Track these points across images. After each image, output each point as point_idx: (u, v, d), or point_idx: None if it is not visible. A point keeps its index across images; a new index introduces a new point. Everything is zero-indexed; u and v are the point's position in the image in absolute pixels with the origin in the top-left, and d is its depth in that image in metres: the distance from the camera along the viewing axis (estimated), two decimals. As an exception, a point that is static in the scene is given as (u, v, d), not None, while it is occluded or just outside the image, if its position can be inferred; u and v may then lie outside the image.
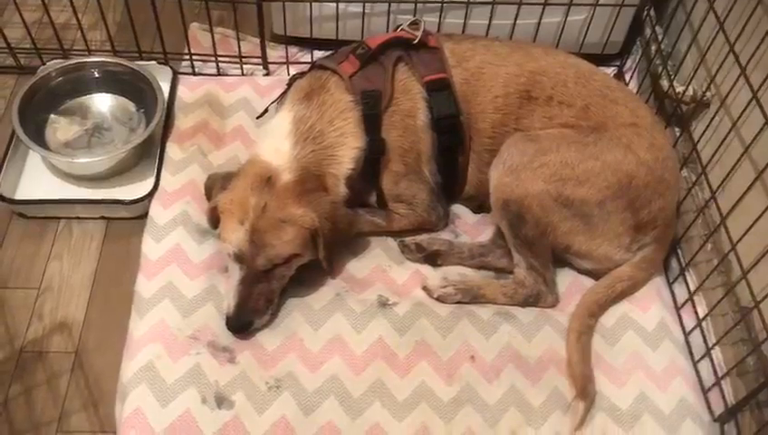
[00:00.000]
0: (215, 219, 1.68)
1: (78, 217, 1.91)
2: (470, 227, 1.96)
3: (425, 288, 1.80)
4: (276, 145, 1.69)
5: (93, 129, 2.04)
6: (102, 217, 1.92)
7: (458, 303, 1.78)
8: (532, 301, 1.79)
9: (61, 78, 2.06)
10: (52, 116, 2.04)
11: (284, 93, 1.85)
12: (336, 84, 1.75)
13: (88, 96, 2.10)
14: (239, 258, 1.61)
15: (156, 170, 1.93)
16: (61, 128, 2.02)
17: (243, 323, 1.63)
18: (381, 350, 1.67)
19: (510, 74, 1.79)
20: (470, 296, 1.79)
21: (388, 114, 1.75)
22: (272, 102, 1.91)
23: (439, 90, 1.76)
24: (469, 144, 1.82)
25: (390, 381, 1.63)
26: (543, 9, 2.18)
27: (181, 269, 1.76)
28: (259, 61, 2.25)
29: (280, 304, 1.71)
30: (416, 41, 1.79)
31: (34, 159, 1.98)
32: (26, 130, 1.90)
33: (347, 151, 1.72)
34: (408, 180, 1.82)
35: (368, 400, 1.59)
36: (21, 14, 2.13)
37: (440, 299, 1.78)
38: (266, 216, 1.59)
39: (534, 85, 1.79)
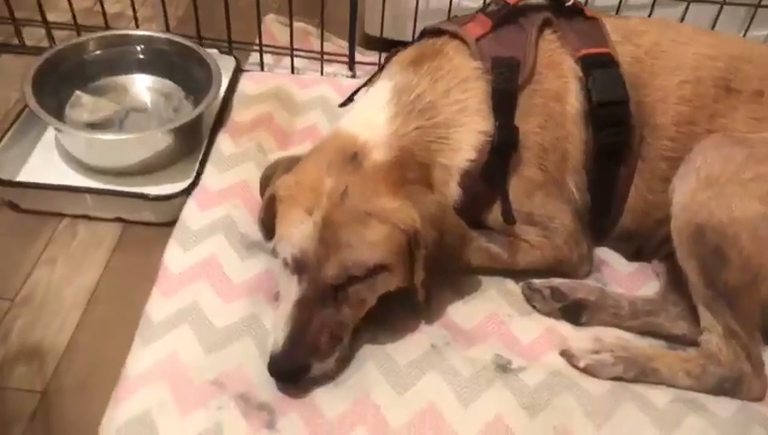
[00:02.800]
0: (269, 218, 1.16)
1: (87, 216, 1.41)
2: (624, 279, 1.37)
3: (565, 353, 1.21)
4: (368, 115, 1.19)
5: (128, 112, 1.58)
6: (119, 220, 1.42)
7: (616, 379, 1.18)
8: (728, 386, 1.17)
9: (98, 51, 1.62)
10: (77, 92, 1.59)
11: (380, 71, 1.37)
12: (456, 49, 1.25)
13: (128, 75, 1.65)
14: (300, 265, 1.07)
15: (199, 163, 1.45)
16: (87, 107, 1.56)
17: (295, 366, 1.06)
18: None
19: (702, 55, 1.27)
20: (635, 370, 1.18)
21: (526, 94, 1.23)
22: (362, 85, 1.42)
23: (600, 67, 1.25)
24: (638, 147, 1.28)
25: (515, 486, 1.02)
26: (755, 13, 1.69)
27: (213, 288, 1.23)
28: (345, 59, 1.80)
29: (352, 349, 1.15)
30: (569, 2, 1.31)
31: (47, 143, 1.53)
32: (44, 105, 1.45)
33: (466, 135, 1.20)
34: (546, 194, 1.27)
35: None
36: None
37: (589, 371, 1.18)
38: (346, 205, 1.07)
39: (736, 74, 1.26)
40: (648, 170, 1.29)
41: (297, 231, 1.07)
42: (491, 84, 1.21)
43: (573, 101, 1.25)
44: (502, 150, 1.21)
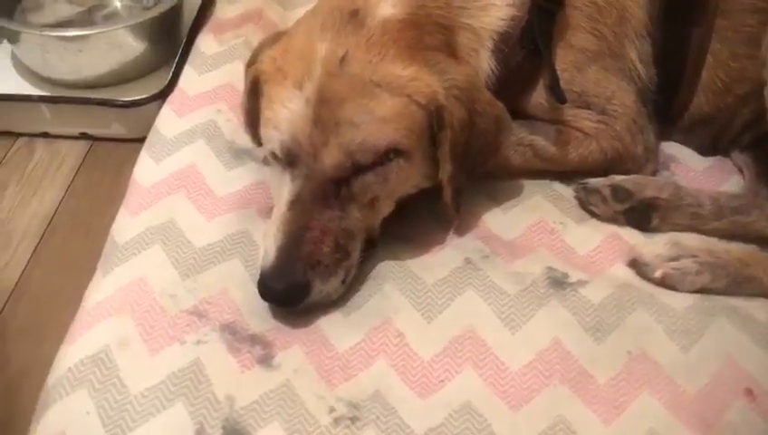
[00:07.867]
0: (255, 111, 0.93)
1: (46, 134, 1.19)
2: (698, 177, 1.11)
3: (636, 262, 0.96)
4: (374, -32, 0.94)
5: (93, 13, 1.34)
6: (84, 136, 1.19)
7: (701, 291, 0.93)
8: None
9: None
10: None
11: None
12: None
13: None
14: (291, 155, 0.84)
15: (175, 65, 1.21)
16: (45, 7, 1.33)
17: (291, 282, 0.83)
18: (560, 364, 0.83)
19: None
20: (726, 279, 0.93)
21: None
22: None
23: None
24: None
25: (583, 427, 0.78)
26: None
27: (192, 202, 1.00)
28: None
29: (365, 269, 0.91)
30: None
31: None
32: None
33: (501, -9, 0.95)
34: (601, 68, 1.02)
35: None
36: None
37: (667, 282, 0.93)
38: (346, 73, 0.83)
39: None
40: (731, 29, 1.01)
41: (285, 111, 0.84)
42: None
43: (633, -61, 0.99)
44: (545, 7, 0.96)
